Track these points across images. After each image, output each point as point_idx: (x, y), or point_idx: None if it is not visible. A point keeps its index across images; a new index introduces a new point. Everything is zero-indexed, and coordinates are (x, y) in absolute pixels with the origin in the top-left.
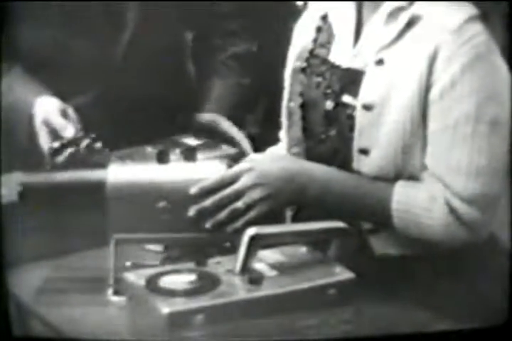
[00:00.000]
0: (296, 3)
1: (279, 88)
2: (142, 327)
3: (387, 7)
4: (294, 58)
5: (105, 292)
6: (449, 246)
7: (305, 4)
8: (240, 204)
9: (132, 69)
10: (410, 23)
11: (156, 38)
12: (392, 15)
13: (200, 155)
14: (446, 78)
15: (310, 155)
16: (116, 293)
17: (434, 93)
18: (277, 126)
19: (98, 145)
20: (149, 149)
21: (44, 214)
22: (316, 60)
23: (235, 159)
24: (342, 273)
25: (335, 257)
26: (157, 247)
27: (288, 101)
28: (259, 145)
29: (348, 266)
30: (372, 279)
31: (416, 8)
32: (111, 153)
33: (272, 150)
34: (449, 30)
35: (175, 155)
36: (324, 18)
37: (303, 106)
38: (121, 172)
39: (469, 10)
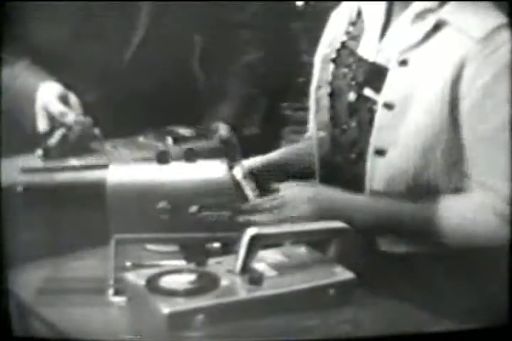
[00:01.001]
0: (296, 4)
1: (279, 89)
2: (142, 327)
3: (415, 7)
4: (325, 46)
5: (106, 292)
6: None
7: (306, 4)
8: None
9: (139, 70)
10: (437, 27)
11: (165, 41)
12: (420, 16)
13: (191, 145)
14: (479, 88)
15: (333, 144)
16: (116, 293)
17: (468, 103)
18: (277, 126)
19: (91, 127)
20: (141, 139)
21: (45, 214)
22: (345, 51)
23: (232, 157)
24: (342, 274)
25: (335, 257)
26: (158, 247)
27: (317, 87)
28: (259, 146)
29: (348, 266)
30: (373, 279)
31: (444, 13)
32: (104, 138)
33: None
34: (475, 40)
35: (166, 145)
36: (359, 13)
37: (331, 95)
38: (121, 173)
39: (497, 18)
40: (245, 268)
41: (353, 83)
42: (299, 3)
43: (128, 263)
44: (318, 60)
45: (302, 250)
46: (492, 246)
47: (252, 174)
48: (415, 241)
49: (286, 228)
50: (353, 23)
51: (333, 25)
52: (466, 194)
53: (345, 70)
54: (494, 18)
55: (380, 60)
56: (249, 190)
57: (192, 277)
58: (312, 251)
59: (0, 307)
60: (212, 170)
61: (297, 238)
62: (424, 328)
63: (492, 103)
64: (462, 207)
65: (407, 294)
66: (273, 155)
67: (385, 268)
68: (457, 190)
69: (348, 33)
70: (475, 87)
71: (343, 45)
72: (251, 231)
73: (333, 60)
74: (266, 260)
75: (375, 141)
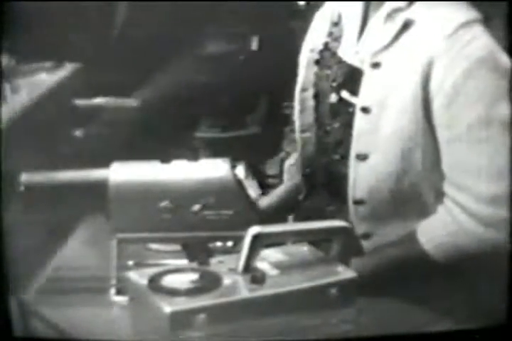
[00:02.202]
0: (297, 3)
1: (280, 88)
2: (144, 327)
3: (387, 7)
4: (309, 47)
5: (108, 291)
6: (485, 254)
7: (307, 4)
8: None
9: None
10: (405, 27)
11: (142, 34)
12: (391, 16)
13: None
14: (448, 86)
15: (318, 145)
16: (118, 292)
17: (440, 103)
18: (278, 126)
19: None
20: None
21: (46, 213)
22: (328, 53)
23: None
24: (344, 273)
25: (337, 256)
26: (160, 246)
27: (301, 88)
28: (260, 144)
29: (349, 265)
30: (374, 279)
31: (412, 11)
32: None
33: None
34: (442, 37)
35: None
36: (340, 14)
37: (316, 96)
38: (123, 172)
39: (465, 14)
40: (247, 267)
41: (334, 85)
42: (301, 3)
43: (130, 263)
44: (302, 61)
45: (304, 249)
46: (487, 253)
47: (255, 173)
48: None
49: (288, 227)
50: (335, 24)
51: (317, 26)
52: (436, 212)
53: (328, 72)
54: (462, 14)
55: (356, 62)
56: (251, 189)
57: (194, 276)
58: (314, 250)
59: (0, 307)
60: (214, 169)
61: (299, 237)
62: (424, 328)
63: (463, 101)
64: (436, 224)
65: (407, 294)
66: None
67: (386, 268)
68: (439, 192)
69: (330, 33)
70: (445, 86)
71: (326, 46)
72: (253, 231)
73: (317, 62)
74: (268, 259)
75: (355, 145)
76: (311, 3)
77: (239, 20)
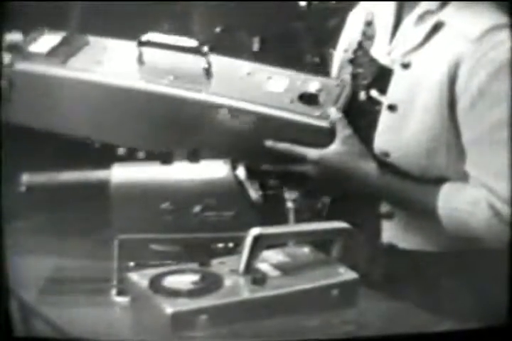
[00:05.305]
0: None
1: None
2: (146, 328)
3: (419, 9)
4: (343, 48)
5: (109, 292)
6: (492, 245)
7: (309, 4)
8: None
9: None
10: (436, 29)
11: None
12: (422, 17)
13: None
14: (474, 88)
15: None
16: (120, 293)
17: (464, 103)
18: None
19: None
20: None
21: (47, 213)
22: (361, 52)
23: None
24: (345, 274)
25: (338, 257)
26: (161, 247)
27: None
28: None
29: (351, 266)
30: (375, 279)
31: (443, 14)
32: None
33: None
34: (470, 40)
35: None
36: (373, 14)
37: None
38: (125, 173)
39: (493, 19)
40: (248, 269)
41: (364, 83)
42: (302, 3)
43: (131, 264)
44: (336, 62)
45: (305, 250)
46: (490, 245)
47: (256, 174)
48: (416, 239)
49: (290, 228)
50: (368, 24)
51: (350, 27)
52: (469, 187)
53: (360, 70)
54: (491, 18)
55: (387, 61)
56: (252, 190)
57: (195, 277)
58: (315, 251)
59: (1, 307)
60: (215, 171)
61: (300, 238)
62: (425, 328)
63: (488, 102)
64: (461, 198)
65: (408, 294)
66: None
67: (387, 269)
68: None
69: (364, 33)
70: (470, 87)
71: (360, 45)
72: (254, 232)
73: (351, 61)
74: (269, 260)
75: (378, 143)
76: (313, 3)
77: (240, 21)
